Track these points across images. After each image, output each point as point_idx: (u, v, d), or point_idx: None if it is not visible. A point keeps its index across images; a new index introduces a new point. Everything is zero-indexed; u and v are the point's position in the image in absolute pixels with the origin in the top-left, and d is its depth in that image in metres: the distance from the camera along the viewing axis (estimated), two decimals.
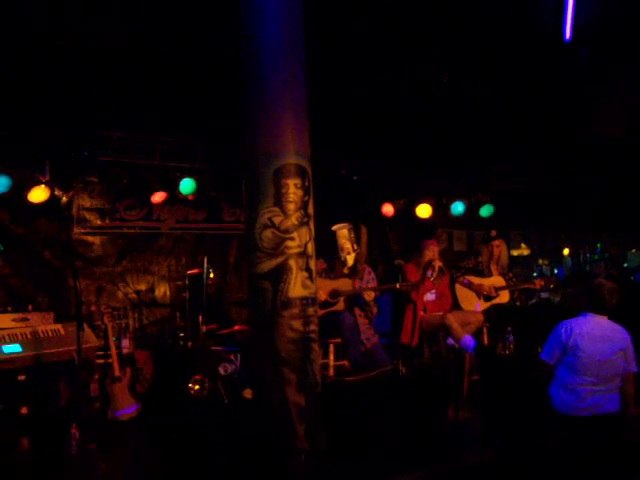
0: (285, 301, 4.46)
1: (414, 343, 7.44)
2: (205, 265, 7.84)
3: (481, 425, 6.14)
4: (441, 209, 10.24)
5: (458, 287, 8.09)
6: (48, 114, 7.26)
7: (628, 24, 6.78)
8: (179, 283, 8.42)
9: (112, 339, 6.78)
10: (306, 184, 4.61)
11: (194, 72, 7.10)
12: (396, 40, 7.02)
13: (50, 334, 6.70)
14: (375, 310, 7.44)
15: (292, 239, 4.51)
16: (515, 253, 12.22)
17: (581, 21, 6.13)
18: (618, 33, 6.96)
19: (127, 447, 6.02)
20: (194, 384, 7.06)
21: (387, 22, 6.71)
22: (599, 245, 15.24)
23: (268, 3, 4.62)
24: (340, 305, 7.11)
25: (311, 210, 4.68)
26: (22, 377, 6.47)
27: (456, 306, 7.91)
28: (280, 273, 4.48)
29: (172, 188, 8.39)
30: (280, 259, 4.48)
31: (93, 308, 7.71)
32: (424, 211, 10.01)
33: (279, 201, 4.50)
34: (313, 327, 4.56)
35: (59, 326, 6.84)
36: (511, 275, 8.44)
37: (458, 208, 10.15)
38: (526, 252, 12.94)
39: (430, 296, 7.62)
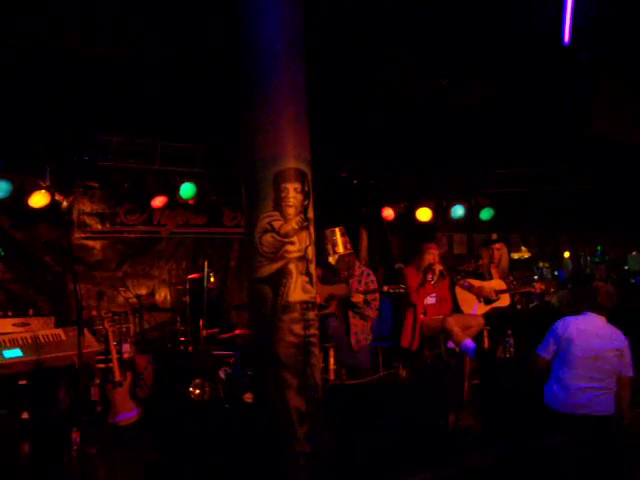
0: (285, 305, 4.46)
1: (414, 347, 7.43)
2: (205, 269, 7.85)
3: (482, 429, 6.13)
4: (441, 212, 10.25)
5: (458, 290, 8.09)
6: (48, 119, 7.27)
7: (626, 28, 6.79)
8: (180, 287, 8.43)
9: (113, 344, 6.79)
10: (306, 188, 4.61)
11: (194, 76, 7.11)
12: (396, 43, 7.03)
13: (51, 339, 6.70)
14: (370, 312, 7.41)
15: (292, 243, 4.51)
16: (515, 256, 12.22)
17: (580, 25, 6.13)
18: (616, 37, 6.97)
19: (128, 452, 6.03)
20: (195, 388, 7.07)
21: (388, 26, 6.73)
22: (599, 248, 15.24)
23: (267, 6, 4.63)
24: (332, 308, 7.17)
25: (311, 214, 4.68)
26: (23, 382, 6.48)
27: (456, 309, 7.90)
28: (280, 277, 4.48)
29: (172, 192, 8.42)
30: (280, 263, 4.48)
31: (94, 313, 7.72)
32: (424, 214, 10.03)
33: (279, 205, 4.50)
34: (313, 331, 4.56)
35: (60, 331, 6.84)
36: (511, 278, 8.44)
37: (458, 211, 10.16)
38: (526, 255, 12.94)
39: (430, 300, 7.62)
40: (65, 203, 7.90)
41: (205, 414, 6.85)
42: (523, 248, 12.72)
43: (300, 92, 4.74)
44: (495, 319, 8.00)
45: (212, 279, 8.11)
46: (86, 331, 6.74)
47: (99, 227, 8.47)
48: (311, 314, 4.56)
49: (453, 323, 7.17)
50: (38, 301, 7.82)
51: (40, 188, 7.47)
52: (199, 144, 8.46)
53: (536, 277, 12.02)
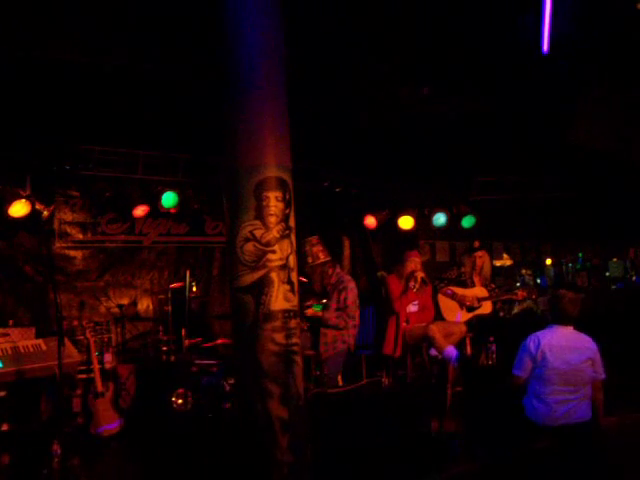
0: (267, 314, 4.45)
1: (397, 354, 7.44)
2: (188, 279, 7.83)
3: (465, 436, 6.14)
4: (423, 220, 10.29)
5: (441, 298, 8.13)
6: (29, 128, 7.23)
7: (603, 38, 6.87)
8: (162, 297, 8.39)
9: (94, 354, 6.74)
10: (287, 197, 4.62)
11: (176, 86, 7.10)
12: (379, 53, 7.07)
13: (31, 349, 6.64)
14: (339, 322, 7.26)
15: (273, 252, 4.51)
16: (497, 263, 12.28)
17: (559, 34, 6.19)
18: (594, 46, 7.04)
19: (110, 463, 5.99)
20: (177, 398, 7.03)
21: (372, 37, 6.76)
22: (581, 255, 15.34)
23: (247, 16, 4.64)
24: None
25: (292, 223, 4.68)
26: (2, 393, 6.40)
27: (439, 317, 7.93)
28: (262, 286, 4.47)
29: (154, 201, 8.39)
30: (262, 272, 4.48)
31: (75, 323, 7.67)
32: (406, 222, 10.06)
33: (260, 214, 4.50)
34: (295, 340, 4.56)
35: (40, 341, 6.78)
36: (493, 286, 8.49)
37: (440, 219, 10.20)
38: (508, 262, 13.01)
39: (413, 307, 7.63)
40: (46, 212, 7.85)
41: (188, 424, 6.81)
42: (505, 255, 12.79)
43: (281, 101, 4.75)
44: (477, 326, 8.04)
45: (194, 288, 8.09)
46: (67, 341, 6.68)
47: (80, 237, 8.43)
48: (293, 323, 4.56)
49: (435, 331, 7.19)
50: (18, 311, 7.77)
51: (20, 197, 7.42)
52: (181, 153, 8.45)
53: (518, 284, 12.08)
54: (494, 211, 10.69)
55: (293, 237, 4.67)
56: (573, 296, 5.15)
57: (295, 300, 4.62)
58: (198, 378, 7.19)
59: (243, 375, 4.62)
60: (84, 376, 6.90)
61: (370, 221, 10.01)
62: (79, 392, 6.86)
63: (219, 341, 7.66)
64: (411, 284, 7.48)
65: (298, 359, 4.60)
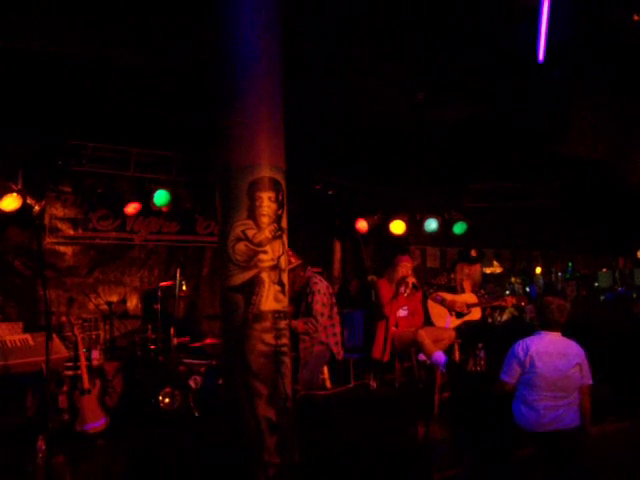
0: (257, 314, 4.45)
1: (385, 358, 7.44)
2: (178, 277, 7.81)
3: (452, 441, 6.14)
4: (415, 226, 10.30)
5: (430, 303, 8.13)
6: (22, 123, 7.21)
7: (597, 48, 6.91)
8: (152, 295, 8.37)
9: (82, 350, 6.71)
10: (280, 198, 4.62)
11: (170, 84, 7.09)
12: (372, 57, 7.08)
13: (18, 344, 6.59)
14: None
15: (265, 252, 4.51)
16: (488, 271, 12.31)
17: (554, 44, 6.22)
18: (588, 56, 7.08)
19: (95, 460, 5.95)
20: (164, 397, 7.01)
21: (367, 40, 6.77)
22: (570, 264, 15.39)
23: (244, 16, 4.64)
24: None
25: (285, 224, 4.68)
26: None
27: (428, 322, 7.94)
28: (252, 286, 4.47)
29: (146, 199, 8.36)
30: (253, 272, 4.47)
31: (63, 319, 7.63)
32: (398, 227, 10.07)
33: (253, 214, 4.50)
34: (285, 341, 4.56)
35: (28, 336, 6.73)
36: (483, 292, 8.50)
37: (431, 225, 10.22)
38: (499, 270, 13.04)
39: (402, 312, 7.63)
40: (37, 207, 7.80)
41: (175, 423, 6.79)
42: (495, 263, 12.82)
43: (276, 101, 4.75)
44: (466, 332, 8.05)
45: (184, 287, 8.06)
46: (55, 337, 6.65)
47: (71, 232, 8.39)
48: (283, 323, 4.56)
49: (424, 336, 7.19)
50: (6, 306, 7.72)
51: (12, 191, 7.37)
52: (174, 151, 8.43)
53: (507, 292, 12.12)
54: (485, 218, 10.72)
55: (285, 238, 4.68)
56: (560, 303, 5.21)
57: (285, 301, 4.63)
58: (186, 377, 7.17)
59: (231, 375, 4.61)
60: (71, 373, 6.86)
61: (362, 225, 10.01)
62: (65, 389, 6.82)
63: (208, 340, 7.64)
64: (402, 289, 7.48)
65: (287, 360, 4.60)
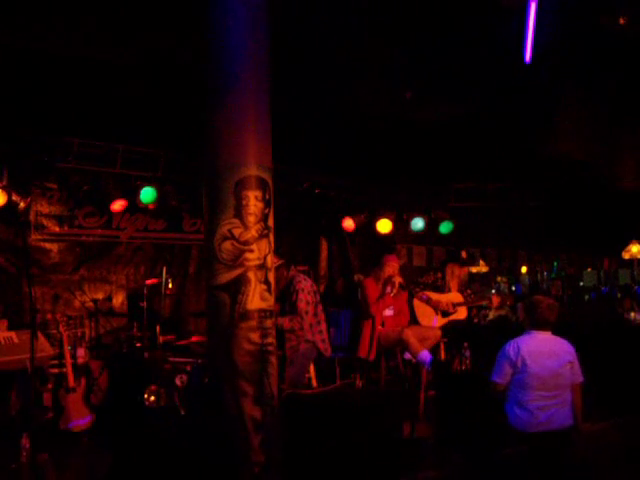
0: (243, 313, 4.45)
1: (371, 357, 7.44)
2: (164, 275, 7.79)
3: (437, 440, 6.16)
4: (401, 225, 10.33)
5: (416, 302, 8.15)
6: (7, 119, 7.16)
7: (585, 50, 6.95)
8: (137, 293, 8.35)
9: (67, 348, 6.68)
10: (267, 197, 4.61)
11: (157, 81, 7.07)
12: (361, 57, 7.09)
13: (3, 342, 6.55)
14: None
15: (251, 251, 4.51)
16: (474, 270, 12.37)
17: (542, 45, 6.25)
18: (576, 58, 7.12)
19: (80, 458, 5.93)
20: (150, 395, 6.99)
21: (354, 38, 6.78)
22: (556, 264, 15.48)
23: (232, 16, 4.63)
24: None
25: (271, 223, 4.68)
26: None
27: (414, 321, 7.95)
28: (239, 285, 4.47)
29: (132, 196, 8.34)
30: (239, 271, 4.47)
31: (48, 316, 7.60)
32: (384, 226, 10.09)
33: (239, 213, 4.50)
34: (271, 340, 4.55)
35: (12, 334, 6.69)
36: (469, 292, 8.53)
37: (418, 224, 10.25)
38: (484, 269, 13.10)
39: (388, 312, 7.62)
40: (22, 204, 7.76)
41: (160, 421, 6.77)
42: (481, 262, 12.89)
43: (263, 100, 4.75)
44: (452, 331, 8.07)
45: (170, 285, 8.04)
46: (40, 335, 6.60)
47: (57, 229, 8.35)
48: (269, 322, 4.56)
49: (410, 334, 7.20)
50: None
51: None
52: (161, 149, 8.41)
53: (493, 291, 12.17)
54: (471, 218, 10.77)
55: (271, 237, 4.67)
56: (551, 302, 5.23)
57: (271, 300, 4.62)
58: (172, 375, 7.16)
59: (217, 374, 4.61)
60: (56, 370, 6.82)
61: (348, 224, 10.03)
62: (50, 386, 6.79)
63: (194, 339, 7.63)
64: (388, 288, 7.48)
65: (273, 359, 4.60)
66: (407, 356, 7.46)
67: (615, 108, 8.16)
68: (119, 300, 8.75)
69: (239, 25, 4.65)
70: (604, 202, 10.60)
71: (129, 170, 8.34)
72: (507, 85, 7.49)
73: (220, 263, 4.50)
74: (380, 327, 7.51)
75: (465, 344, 7.70)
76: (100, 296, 8.53)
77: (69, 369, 6.53)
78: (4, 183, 7.34)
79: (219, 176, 4.57)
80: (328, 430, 5.32)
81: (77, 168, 8.08)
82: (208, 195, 4.67)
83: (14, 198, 7.61)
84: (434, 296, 8.22)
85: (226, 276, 4.49)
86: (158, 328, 7.51)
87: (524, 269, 15.26)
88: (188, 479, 4.98)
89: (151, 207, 8.55)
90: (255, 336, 4.47)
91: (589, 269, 16.89)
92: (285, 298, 7.18)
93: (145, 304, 7.80)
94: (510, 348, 5.10)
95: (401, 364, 7.61)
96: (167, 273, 7.86)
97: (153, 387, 6.99)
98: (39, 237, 8.26)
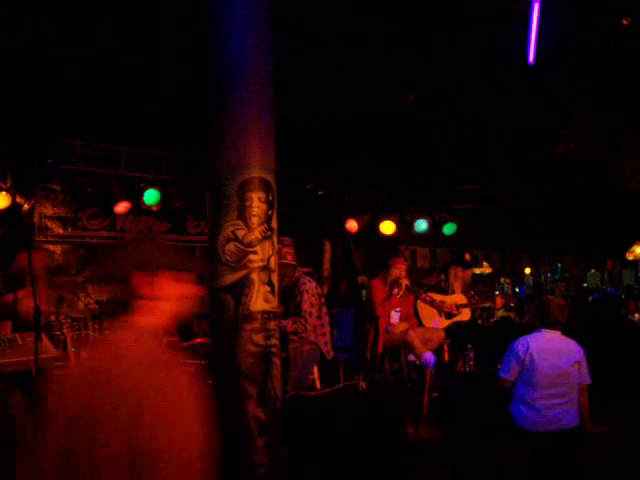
0: (247, 315, 4.45)
1: (375, 359, 7.45)
2: None
3: (441, 442, 6.16)
4: (404, 226, 10.32)
5: (420, 304, 8.14)
6: (11, 120, 7.17)
7: (589, 51, 6.94)
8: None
9: (71, 350, 6.68)
10: (270, 198, 4.61)
11: (160, 83, 7.08)
12: (365, 57, 7.09)
13: (7, 344, 6.56)
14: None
15: (255, 253, 4.51)
16: (477, 271, 12.36)
17: (545, 46, 6.24)
18: (580, 59, 7.11)
19: None
20: None
21: (357, 42, 6.78)
22: (560, 265, 15.44)
23: (235, 17, 4.63)
24: None
25: (275, 224, 4.68)
26: None
27: (418, 323, 7.95)
28: (242, 286, 4.47)
29: (136, 198, 8.34)
30: (242, 272, 4.47)
31: (52, 318, 7.60)
32: (388, 228, 10.09)
33: (243, 214, 4.50)
34: (274, 341, 4.55)
35: (16, 335, 6.70)
36: (473, 293, 8.53)
37: (421, 225, 10.24)
38: (488, 270, 13.10)
39: (395, 318, 7.62)
40: (26, 206, 7.78)
41: None
42: (485, 264, 12.88)
43: (267, 101, 4.75)
44: (456, 333, 8.07)
45: None
46: (44, 336, 6.61)
47: (60, 231, 8.37)
48: (272, 324, 4.56)
49: (414, 336, 7.20)
50: None
51: (1, 190, 7.35)
52: (164, 150, 8.42)
53: (497, 292, 12.15)
54: (475, 219, 10.75)
55: (275, 239, 4.67)
56: (561, 302, 5.27)
57: (275, 301, 4.62)
58: None
59: (221, 375, 4.60)
60: (60, 372, 6.82)
61: (352, 225, 10.03)
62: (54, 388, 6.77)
63: (197, 340, 7.62)
64: (395, 290, 7.48)
65: (277, 360, 4.60)
66: (411, 358, 7.46)
67: (620, 108, 8.15)
68: None
69: (242, 27, 4.66)
70: (608, 203, 10.57)
71: (132, 172, 8.34)
72: (511, 87, 7.48)
73: (224, 265, 4.50)
74: (386, 333, 7.51)
75: (469, 346, 7.69)
76: (104, 298, 8.53)
77: None
78: (8, 185, 7.36)
79: (222, 178, 4.57)
80: (331, 431, 5.32)
81: (81, 170, 8.10)
82: (211, 197, 4.67)
83: (18, 200, 7.63)
84: (438, 297, 8.22)
85: (230, 278, 4.49)
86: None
87: (528, 270, 15.24)
88: None
89: (154, 209, 8.56)
90: (259, 338, 4.47)
91: (593, 270, 16.86)
92: (289, 299, 7.18)
93: None
94: (519, 345, 5.12)
95: (405, 365, 7.61)
96: None
97: None
98: (43, 239, 8.26)
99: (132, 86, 7.11)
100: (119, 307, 2.45)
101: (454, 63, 7.08)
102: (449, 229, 10.39)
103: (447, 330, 7.92)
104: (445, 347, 7.97)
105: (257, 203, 4.53)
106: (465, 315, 8.27)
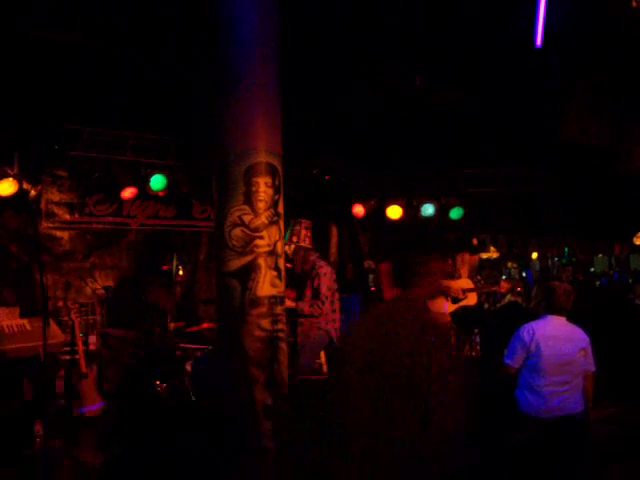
0: (253, 300, 4.46)
1: None
2: (174, 262, 7.81)
3: None
4: (411, 211, 10.30)
5: None
6: (18, 106, 7.17)
7: (597, 34, 6.89)
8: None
9: (79, 335, 6.73)
10: (277, 183, 4.62)
11: (167, 68, 7.06)
12: (371, 44, 7.06)
13: (15, 329, 6.60)
14: (313, 310, 7.20)
15: (261, 238, 4.52)
16: (484, 256, 12.35)
17: (553, 29, 6.20)
18: (587, 42, 7.06)
19: (92, 444, 5.98)
20: (161, 381, 7.03)
21: (363, 26, 6.75)
22: (567, 250, 15.40)
23: (243, 2, 4.62)
24: None
25: (281, 209, 4.68)
26: None
27: None
28: (249, 271, 4.48)
29: (143, 184, 8.34)
30: (249, 257, 4.48)
31: (60, 304, 7.63)
32: (394, 212, 10.06)
33: (249, 199, 4.50)
34: (281, 326, 4.57)
35: (25, 321, 6.75)
36: (479, 277, 8.53)
37: (428, 210, 10.21)
38: (495, 255, 13.08)
39: None
40: (33, 192, 7.78)
41: (171, 407, 6.81)
42: (492, 248, 12.85)
43: (273, 86, 4.74)
44: (462, 317, 8.07)
45: (181, 272, 8.06)
46: (52, 322, 6.65)
47: (67, 217, 8.37)
48: (279, 309, 4.57)
49: None
50: (3, 291, 7.71)
51: (8, 176, 7.35)
52: (170, 136, 8.40)
53: (504, 277, 12.15)
54: (482, 203, 10.71)
55: (281, 224, 4.68)
56: (567, 287, 5.25)
57: (282, 286, 4.64)
58: (182, 361, 7.19)
59: (228, 360, 4.62)
60: (68, 357, 6.87)
61: (358, 210, 10.01)
62: (62, 373, 6.83)
63: (204, 325, 7.65)
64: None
65: (283, 345, 4.62)
66: None
67: (627, 93, 8.10)
68: None
69: (250, 11, 4.64)
70: (616, 188, 10.52)
71: (139, 157, 8.32)
72: (518, 70, 7.44)
73: (230, 250, 4.52)
74: None
75: (475, 330, 7.69)
76: (111, 283, 8.56)
77: (81, 356, 6.58)
78: (15, 172, 7.35)
79: (229, 163, 4.58)
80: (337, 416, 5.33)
81: (87, 156, 8.08)
82: (218, 182, 4.67)
83: (25, 186, 7.62)
84: (444, 282, 8.21)
85: (236, 263, 4.50)
86: (169, 315, 7.53)
87: (535, 255, 15.21)
88: (198, 464, 5.01)
89: (161, 194, 8.55)
90: (265, 322, 4.49)
91: (600, 255, 16.81)
92: (305, 282, 7.21)
93: None
94: (525, 332, 5.11)
95: None
96: (177, 260, 7.88)
97: (164, 374, 7.03)
98: (50, 225, 8.27)
99: (138, 72, 7.10)
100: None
101: (463, 46, 7.04)
102: (456, 213, 10.36)
103: (453, 315, 7.92)
104: (451, 332, 7.97)
105: (263, 188, 4.53)
106: (471, 300, 8.26)
